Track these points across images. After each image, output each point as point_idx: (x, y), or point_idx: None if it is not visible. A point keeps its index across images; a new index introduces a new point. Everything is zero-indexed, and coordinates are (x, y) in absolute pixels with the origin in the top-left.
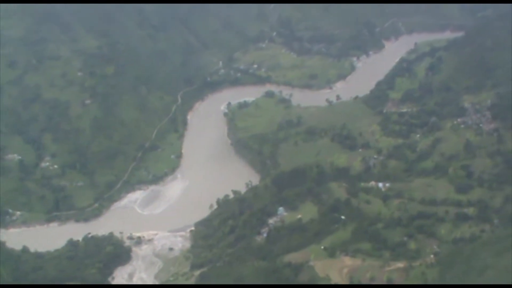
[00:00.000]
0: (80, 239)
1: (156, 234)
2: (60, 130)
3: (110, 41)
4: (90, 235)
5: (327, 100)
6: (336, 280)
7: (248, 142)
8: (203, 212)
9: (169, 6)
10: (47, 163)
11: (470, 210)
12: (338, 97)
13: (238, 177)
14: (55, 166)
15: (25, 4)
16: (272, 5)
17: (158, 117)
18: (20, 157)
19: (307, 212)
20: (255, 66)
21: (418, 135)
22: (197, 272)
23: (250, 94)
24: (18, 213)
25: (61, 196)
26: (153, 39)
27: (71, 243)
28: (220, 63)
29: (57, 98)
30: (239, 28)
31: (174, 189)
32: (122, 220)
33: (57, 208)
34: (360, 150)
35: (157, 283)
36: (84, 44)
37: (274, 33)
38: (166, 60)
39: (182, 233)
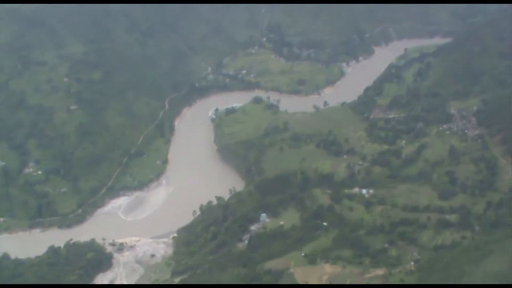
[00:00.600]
0: (62, 245)
1: (138, 241)
2: (45, 136)
3: (97, 47)
4: (72, 242)
5: (314, 106)
6: None
7: (234, 148)
8: (187, 218)
9: (158, 11)
10: (31, 169)
11: (452, 217)
12: (325, 103)
13: (224, 183)
14: (39, 172)
15: (12, 10)
16: (263, 10)
17: (145, 123)
18: (4, 163)
19: (290, 218)
20: (244, 71)
21: (403, 141)
22: (177, 279)
23: (238, 99)
24: (1, 219)
25: (44, 202)
26: (141, 44)
27: (52, 250)
28: (209, 68)
29: (42, 104)
30: (229, 33)
31: (158, 195)
32: (105, 226)
33: (40, 214)
34: (345, 156)
35: None
36: (70, 50)
37: (264, 39)
38: (154, 66)
39: (165, 239)
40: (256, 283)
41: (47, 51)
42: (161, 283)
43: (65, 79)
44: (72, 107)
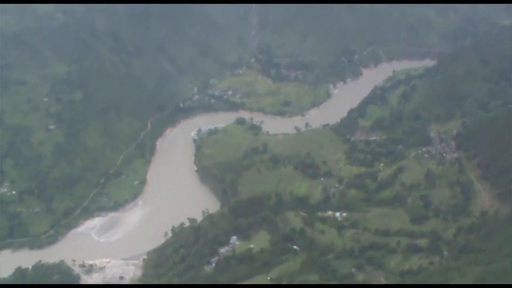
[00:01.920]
0: (30, 267)
1: (109, 262)
2: (21, 156)
3: (81, 67)
4: (40, 263)
5: (295, 127)
6: None
7: (212, 169)
8: (160, 240)
9: (146, 32)
10: (5, 189)
11: (422, 242)
12: (306, 124)
13: (200, 205)
14: (13, 192)
15: None
16: (253, 31)
17: (126, 143)
18: None
19: (260, 241)
20: (230, 92)
21: (382, 164)
22: None
23: (222, 120)
24: None
25: (16, 222)
26: (126, 64)
27: (20, 271)
28: (195, 89)
29: (20, 124)
30: (217, 54)
31: (134, 216)
32: (77, 247)
33: (12, 234)
34: (322, 179)
35: None
36: (53, 70)
37: (253, 60)
38: (139, 86)
39: (136, 261)
40: None
41: (28, 71)
42: None
43: (45, 99)
44: (51, 127)
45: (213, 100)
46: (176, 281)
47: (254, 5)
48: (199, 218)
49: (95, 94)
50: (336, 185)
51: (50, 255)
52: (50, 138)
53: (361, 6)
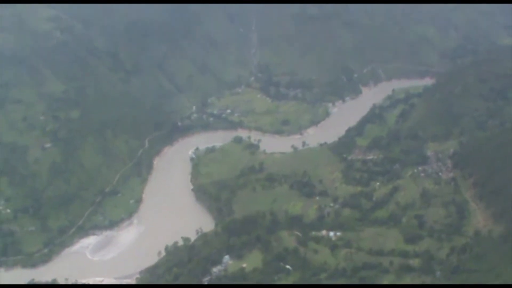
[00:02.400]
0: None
1: (102, 281)
2: (17, 174)
3: (78, 85)
4: (33, 282)
5: (292, 146)
6: None
7: (208, 188)
8: (154, 259)
9: (145, 50)
10: (0, 207)
11: (416, 261)
12: (304, 143)
13: (195, 224)
14: (8, 211)
15: None
16: (253, 50)
17: (123, 162)
18: None
19: (253, 260)
20: (229, 111)
21: (377, 183)
22: None
23: (220, 139)
24: None
25: (10, 241)
26: (124, 82)
27: None
28: (194, 107)
29: (16, 142)
30: (216, 72)
31: (128, 234)
32: (70, 266)
33: (5, 253)
34: (317, 198)
35: None
36: (50, 88)
37: (252, 78)
38: (137, 104)
39: (129, 280)
40: None
41: (25, 89)
42: None
43: (42, 117)
44: (47, 145)
45: (211, 119)
46: None
47: (254, 23)
48: (193, 237)
49: (92, 112)
50: (331, 204)
51: (43, 274)
52: (46, 156)
53: (360, 24)
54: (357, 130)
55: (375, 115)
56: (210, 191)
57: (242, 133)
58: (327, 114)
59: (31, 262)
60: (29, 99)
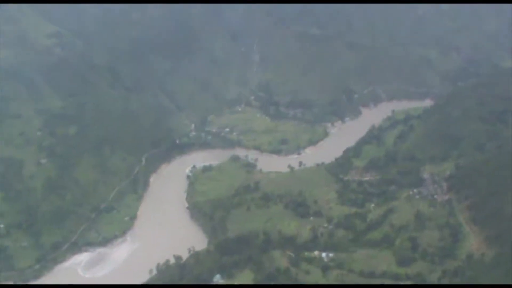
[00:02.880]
0: None
1: None
2: (12, 189)
3: (77, 101)
4: None
5: (289, 165)
6: None
7: (202, 207)
8: (145, 277)
9: (145, 67)
10: None
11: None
12: (300, 163)
13: (188, 242)
14: (1, 226)
15: None
16: (254, 69)
17: (119, 178)
18: None
19: (244, 280)
20: (227, 129)
21: (372, 205)
22: None
23: (218, 157)
24: None
25: (2, 256)
26: (124, 99)
27: None
28: (193, 125)
29: (12, 157)
30: (216, 91)
31: (121, 252)
32: (62, 282)
33: None
34: (311, 218)
35: None
36: (48, 104)
37: (252, 97)
38: (135, 121)
39: None
40: None
41: (24, 104)
42: None
43: (38, 133)
44: (42, 161)
45: (210, 137)
46: None
47: (256, 42)
48: (185, 255)
49: (90, 128)
50: (325, 225)
51: None
52: (42, 171)
53: (362, 45)
54: (355, 151)
55: (373, 136)
56: (205, 210)
57: (240, 152)
58: (326, 134)
59: (23, 277)
60: (27, 114)
